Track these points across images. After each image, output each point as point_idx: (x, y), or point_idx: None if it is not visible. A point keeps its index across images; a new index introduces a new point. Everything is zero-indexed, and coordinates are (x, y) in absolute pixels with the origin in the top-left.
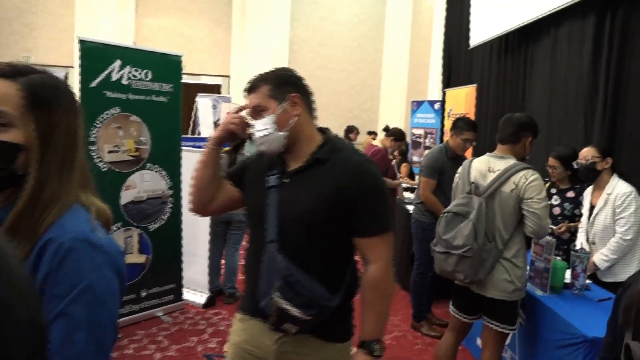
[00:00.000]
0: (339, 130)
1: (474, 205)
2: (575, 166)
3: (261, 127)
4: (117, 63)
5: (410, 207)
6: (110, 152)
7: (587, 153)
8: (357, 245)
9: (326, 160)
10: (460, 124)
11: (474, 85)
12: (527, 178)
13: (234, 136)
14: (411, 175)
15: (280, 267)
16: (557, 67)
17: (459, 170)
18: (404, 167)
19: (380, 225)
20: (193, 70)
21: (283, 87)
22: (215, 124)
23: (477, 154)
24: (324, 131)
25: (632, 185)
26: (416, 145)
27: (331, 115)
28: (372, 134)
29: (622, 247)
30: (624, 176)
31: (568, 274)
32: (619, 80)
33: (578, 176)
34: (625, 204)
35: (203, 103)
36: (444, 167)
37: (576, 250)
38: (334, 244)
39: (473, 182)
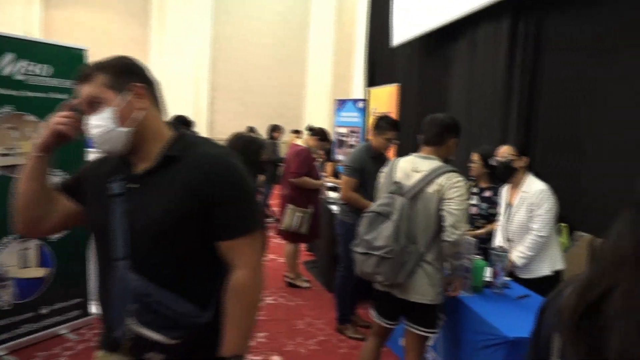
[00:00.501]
0: (263, 129)
1: (397, 206)
2: (493, 163)
3: (97, 124)
4: (9, 56)
5: (335, 207)
6: (2, 155)
7: (504, 151)
8: (220, 251)
9: (179, 157)
10: (382, 123)
11: (397, 84)
12: (451, 180)
13: (64, 139)
14: (336, 174)
15: (134, 287)
16: (475, 68)
17: (384, 169)
18: (328, 166)
19: (244, 226)
20: None
21: (124, 76)
22: None
23: (400, 153)
24: (176, 126)
25: (546, 183)
26: (341, 144)
27: (256, 114)
28: (297, 132)
29: (538, 244)
30: (539, 175)
31: (488, 272)
32: (533, 82)
33: (495, 173)
34: (540, 202)
35: None
36: (366, 166)
37: (495, 249)
38: (196, 253)
39: (397, 182)
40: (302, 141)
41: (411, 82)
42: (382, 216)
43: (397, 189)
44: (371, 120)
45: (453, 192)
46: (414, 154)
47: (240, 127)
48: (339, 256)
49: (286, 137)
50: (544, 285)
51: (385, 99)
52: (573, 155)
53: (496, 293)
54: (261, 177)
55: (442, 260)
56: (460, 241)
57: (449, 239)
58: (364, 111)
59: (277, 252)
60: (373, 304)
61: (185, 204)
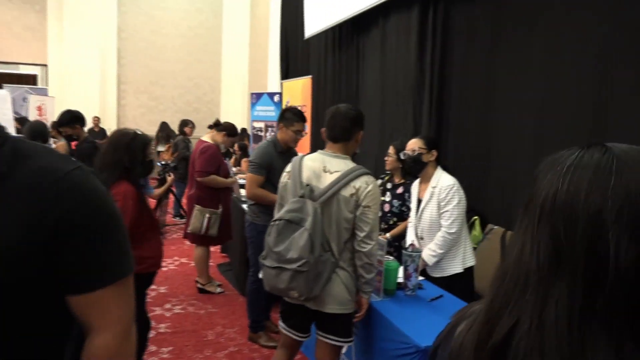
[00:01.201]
0: (176, 126)
1: (309, 211)
2: (402, 157)
3: None
4: None
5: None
6: None
7: (413, 145)
8: (73, 308)
9: (6, 174)
10: (289, 115)
11: (310, 76)
12: (368, 184)
13: None
14: None
15: None
16: (387, 60)
17: (287, 168)
18: (244, 162)
19: (107, 273)
20: (1, 57)
21: None
22: (21, 119)
23: (316, 147)
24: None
25: (455, 178)
26: (257, 139)
27: (169, 109)
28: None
29: (448, 241)
30: (448, 170)
31: (400, 272)
32: (443, 74)
33: (404, 168)
34: (449, 197)
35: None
36: (273, 162)
37: (407, 249)
38: (36, 311)
39: (308, 184)
40: (208, 137)
41: (325, 74)
42: (292, 224)
43: (308, 192)
44: None
45: (370, 198)
46: (321, 152)
47: (152, 122)
48: (249, 260)
49: (201, 132)
50: (456, 283)
51: (299, 92)
52: (484, 146)
53: (409, 296)
54: (170, 177)
55: (355, 265)
56: (374, 252)
57: (362, 250)
58: (280, 105)
59: (189, 256)
60: (282, 315)
61: (16, 244)
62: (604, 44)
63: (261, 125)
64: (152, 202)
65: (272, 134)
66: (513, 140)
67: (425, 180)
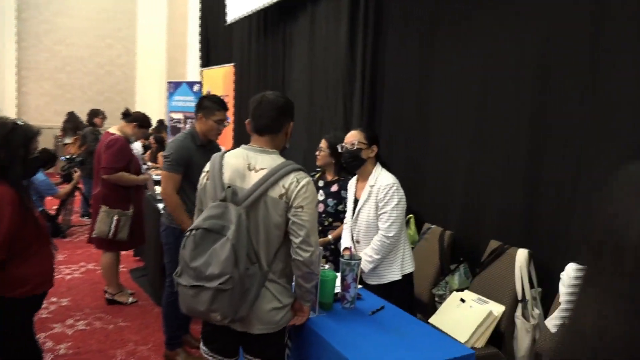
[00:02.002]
0: (86, 116)
1: (232, 218)
2: (339, 150)
3: None
4: None
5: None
6: None
7: (352, 137)
8: None
9: None
10: (208, 103)
11: (232, 64)
12: (300, 182)
13: None
14: None
15: None
16: (316, 48)
17: (206, 167)
18: (160, 157)
19: None
20: None
21: None
22: None
23: (240, 142)
24: None
25: (394, 177)
26: (175, 130)
27: (77, 99)
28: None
29: (386, 246)
30: (388, 167)
31: (337, 282)
32: (376, 63)
33: (341, 163)
34: (387, 198)
35: None
36: (192, 157)
37: (345, 257)
38: None
39: (230, 186)
40: (116, 129)
41: (249, 62)
42: (212, 233)
43: (230, 194)
44: None
45: (303, 198)
46: (245, 147)
47: (58, 113)
48: (165, 268)
49: (114, 123)
50: (395, 291)
51: (220, 81)
52: (420, 140)
53: (347, 309)
54: (76, 173)
55: (289, 275)
56: (314, 259)
57: (300, 258)
58: (200, 95)
59: (97, 261)
60: (203, 338)
61: None
62: (545, 31)
63: (180, 116)
64: (55, 203)
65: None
66: (451, 133)
67: (363, 178)
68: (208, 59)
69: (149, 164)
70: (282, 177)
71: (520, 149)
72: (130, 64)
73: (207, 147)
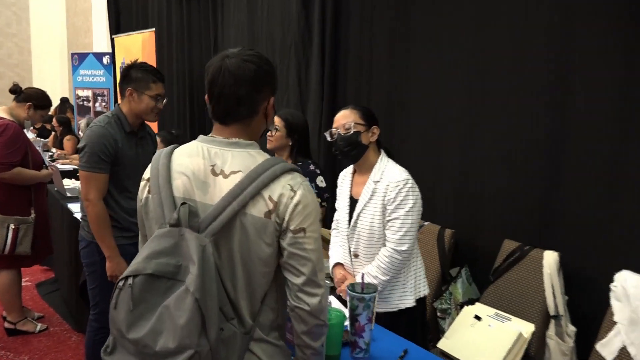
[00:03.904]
0: None
1: (191, 253)
2: (328, 138)
3: None
4: None
5: (76, 208)
6: None
7: (345, 119)
8: None
9: None
10: (139, 73)
11: (152, 29)
12: (296, 190)
13: None
14: (79, 151)
15: None
16: (258, 8)
17: (146, 173)
18: (67, 142)
19: None
20: None
21: None
22: None
23: (164, 128)
24: None
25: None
26: (84, 110)
27: None
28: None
29: (397, 264)
30: (392, 155)
31: (345, 323)
32: (337, 24)
33: (336, 153)
34: (400, 198)
35: None
36: (121, 149)
37: (355, 288)
38: None
39: (184, 203)
40: (4, 111)
41: (169, 27)
42: (162, 280)
43: (186, 215)
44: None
45: (303, 215)
46: (205, 138)
47: None
48: (89, 297)
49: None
50: (405, 320)
51: (137, 49)
52: (398, 119)
53: (360, 359)
54: None
55: (281, 326)
56: (323, 305)
57: (305, 306)
58: (111, 68)
59: None
60: None
61: None
62: None
63: (87, 93)
64: None
65: (103, 103)
66: (436, 112)
67: (363, 170)
68: (118, 26)
69: (54, 151)
70: (268, 184)
71: (538, 124)
72: (23, 34)
73: (138, 134)
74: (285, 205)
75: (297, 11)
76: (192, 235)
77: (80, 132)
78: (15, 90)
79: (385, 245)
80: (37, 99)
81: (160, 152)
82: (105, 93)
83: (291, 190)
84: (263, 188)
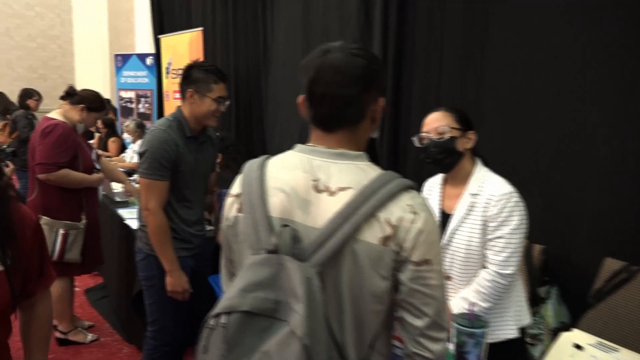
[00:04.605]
0: (16, 97)
1: (295, 288)
2: (417, 144)
3: None
4: None
5: (127, 214)
6: None
7: (438, 122)
8: None
9: None
10: (200, 73)
11: (200, 29)
12: (418, 211)
13: None
14: (123, 150)
15: None
16: (314, 4)
17: (235, 188)
18: (112, 143)
19: None
20: None
21: None
22: None
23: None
24: None
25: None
26: (127, 112)
27: (5, 77)
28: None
29: (499, 289)
30: (488, 164)
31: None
32: (402, 23)
33: (427, 160)
34: (505, 215)
35: None
36: (182, 155)
37: (461, 322)
38: None
39: (286, 225)
40: (58, 113)
41: (213, 26)
42: (260, 318)
43: (289, 240)
44: (166, 80)
45: (428, 244)
46: (304, 148)
47: None
48: (146, 312)
49: (51, 104)
50: (507, 353)
51: (185, 50)
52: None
53: None
54: (8, 167)
55: None
56: (445, 353)
57: (427, 354)
58: (155, 69)
59: None
60: None
61: None
62: None
63: (131, 95)
64: None
65: (146, 105)
66: (518, 116)
67: (458, 181)
68: (162, 27)
69: (99, 152)
70: (385, 205)
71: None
72: (66, 36)
73: (199, 139)
74: (406, 230)
75: (357, 5)
76: (295, 264)
77: (126, 134)
78: (70, 92)
79: (485, 267)
80: (91, 101)
81: (252, 164)
82: (149, 94)
83: (413, 213)
84: (379, 209)
